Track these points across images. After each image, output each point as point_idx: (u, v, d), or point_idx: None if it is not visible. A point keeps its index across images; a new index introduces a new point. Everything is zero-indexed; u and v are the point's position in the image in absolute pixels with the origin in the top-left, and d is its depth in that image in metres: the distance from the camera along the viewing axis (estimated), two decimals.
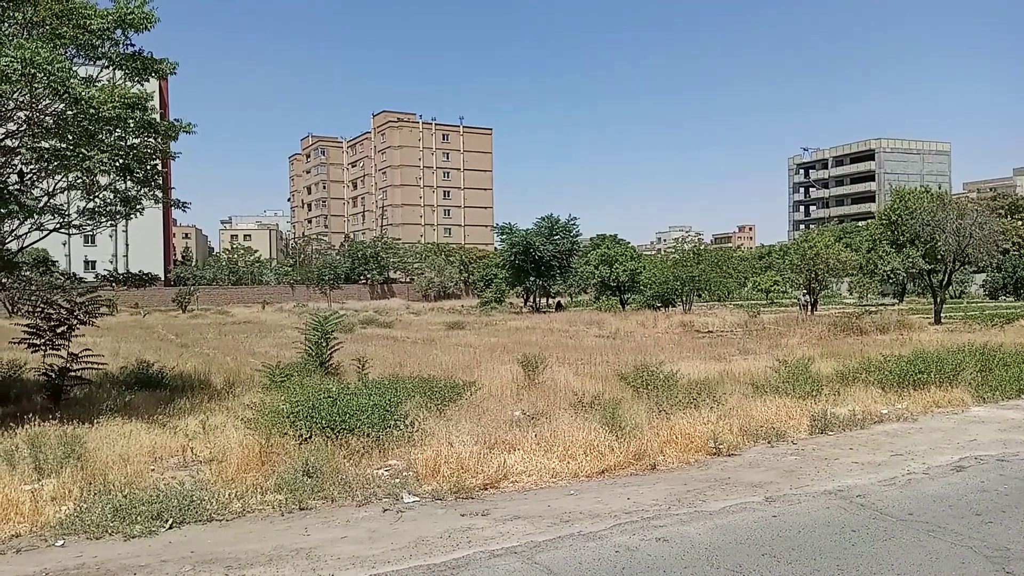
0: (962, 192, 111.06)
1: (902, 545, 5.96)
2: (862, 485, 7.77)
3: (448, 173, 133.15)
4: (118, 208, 13.60)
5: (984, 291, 61.88)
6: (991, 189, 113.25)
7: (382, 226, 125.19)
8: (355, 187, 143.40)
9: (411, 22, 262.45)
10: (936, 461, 8.79)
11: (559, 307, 57.19)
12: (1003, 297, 58.06)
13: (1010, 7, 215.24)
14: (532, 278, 56.42)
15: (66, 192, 13.22)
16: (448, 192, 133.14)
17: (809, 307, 42.11)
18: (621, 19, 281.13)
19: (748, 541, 6.10)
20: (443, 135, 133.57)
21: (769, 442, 9.81)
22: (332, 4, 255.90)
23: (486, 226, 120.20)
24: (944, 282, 34.60)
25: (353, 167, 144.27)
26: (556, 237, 54.96)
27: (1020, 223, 78.21)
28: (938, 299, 33.70)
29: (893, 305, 49.03)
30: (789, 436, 10.13)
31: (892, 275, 40.13)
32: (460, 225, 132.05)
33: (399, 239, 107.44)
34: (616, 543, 6.08)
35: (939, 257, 33.08)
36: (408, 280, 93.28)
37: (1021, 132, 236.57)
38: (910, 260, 33.74)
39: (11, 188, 12.22)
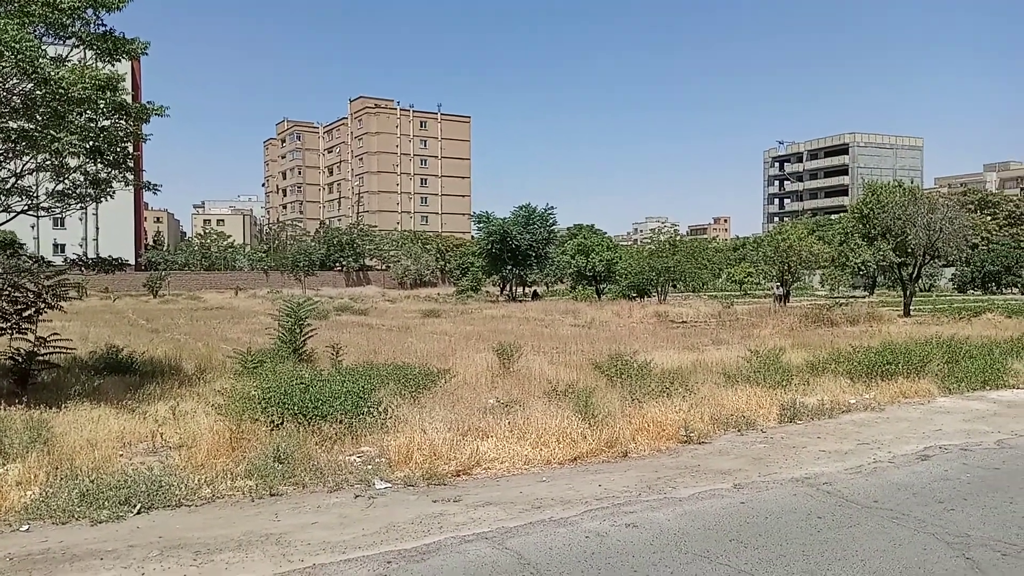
0: (933, 187, 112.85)
1: (866, 531, 6.07)
2: (829, 473, 7.90)
3: (425, 160, 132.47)
4: (88, 191, 13.39)
5: (953, 285, 62.95)
6: (961, 184, 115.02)
7: (358, 213, 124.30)
8: (331, 173, 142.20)
9: (390, 9, 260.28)
10: (902, 450, 8.95)
11: (535, 296, 57.32)
12: (971, 291, 59.12)
13: (982, 5, 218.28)
14: (509, 267, 56.47)
15: (35, 173, 12.97)
16: (425, 180, 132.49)
17: (783, 299, 42.53)
18: (602, 12, 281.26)
19: (716, 527, 6.18)
20: (421, 122, 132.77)
21: (739, 430, 9.93)
22: None
23: (463, 214, 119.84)
24: (914, 275, 35.10)
25: (329, 153, 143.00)
26: (533, 226, 55.00)
27: (989, 218, 79.76)
28: (908, 292, 34.19)
29: (864, 297, 49.69)
30: (759, 425, 10.26)
31: (863, 268, 40.71)
32: (437, 213, 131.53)
33: (375, 226, 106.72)
34: (586, 529, 6.13)
35: (909, 251, 33.53)
36: (384, 268, 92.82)
37: (992, 128, 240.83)
38: (881, 253, 34.16)
39: None
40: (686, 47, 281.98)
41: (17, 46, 9.65)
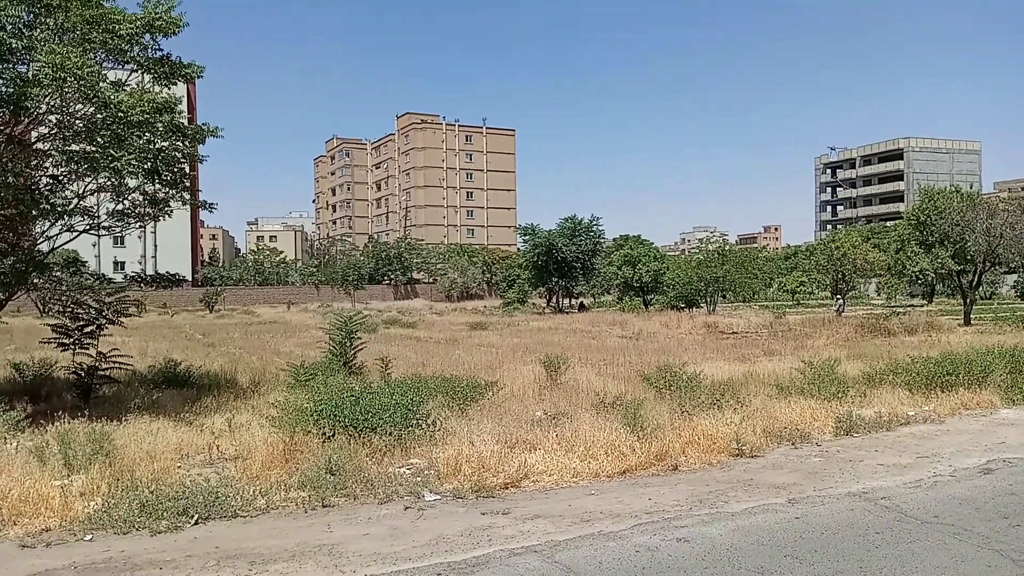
0: (992, 191, 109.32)
1: (927, 548, 5.89)
2: (887, 487, 7.68)
3: (471, 174, 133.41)
4: (147, 210, 13.79)
5: (1015, 292, 60.70)
6: (1022, 188, 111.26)
7: (405, 227, 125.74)
8: (379, 188, 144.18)
9: (434, 24, 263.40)
10: (963, 463, 8.67)
11: (582, 308, 57.10)
12: None
13: None
14: (555, 279, 56.31)
15: (96, 194, 13.43)
16: (471, 193, 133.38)
17: (842, 310, 41.35)
18: (645, 19, 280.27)
19: (770, 543, 6.06)
20: (466, 136, 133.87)
21: (793, 443, 9.73)
22: (356, 8, 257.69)
23: (509, 227, 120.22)
24: (974, 283, 34.03)
25: (377, 168, 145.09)
26: (579, 238, 54.80)
27: None
28: (967, 300, 33.15)
29: (922, 306, 48.31)
30: (814, 438, 10.05)
31: (921, 276, 39.57)
32: (483, 226, 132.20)
33: (422, 240, 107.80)
34: (636, 543, 6.07)
35: (969, 258, 32.56)
36: (431, 281, 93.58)
37: None
38: (939, 261, 33.24)
39: (42, 190, 12.46)
40: (734, 52, 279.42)
41: (79, 72, 10.04)
